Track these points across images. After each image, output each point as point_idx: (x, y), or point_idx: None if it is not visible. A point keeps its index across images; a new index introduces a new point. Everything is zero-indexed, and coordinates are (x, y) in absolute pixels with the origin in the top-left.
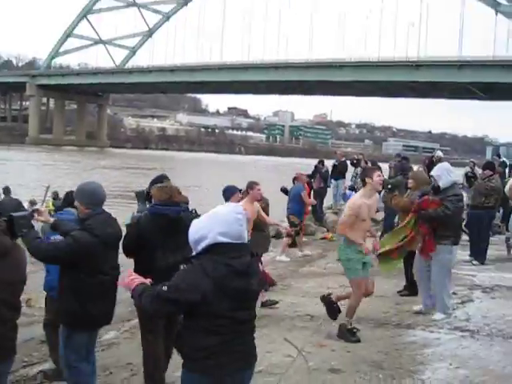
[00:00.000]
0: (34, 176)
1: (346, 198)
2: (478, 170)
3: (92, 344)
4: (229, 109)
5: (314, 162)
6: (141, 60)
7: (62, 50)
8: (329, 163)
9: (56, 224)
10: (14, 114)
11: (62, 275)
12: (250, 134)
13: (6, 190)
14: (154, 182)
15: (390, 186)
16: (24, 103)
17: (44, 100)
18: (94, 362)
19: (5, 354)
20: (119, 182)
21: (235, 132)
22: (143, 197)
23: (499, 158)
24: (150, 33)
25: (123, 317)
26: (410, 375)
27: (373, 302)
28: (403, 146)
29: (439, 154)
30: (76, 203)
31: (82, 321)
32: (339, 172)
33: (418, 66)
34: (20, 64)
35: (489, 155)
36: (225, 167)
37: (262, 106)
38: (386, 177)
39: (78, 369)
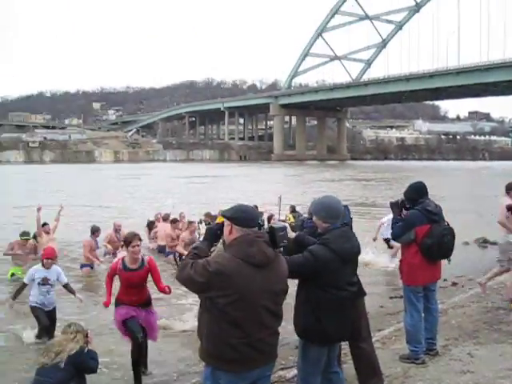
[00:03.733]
0: (252, 188)
1: None
2: None
3: (332, 358)
4: (469, 113)
5: None
6: (376, 72)
7: (300, 69)
8: None
9: (299, 238)
10: (260, 134)
11: (299, 289)
12: (493, 138)
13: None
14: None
15: None
16: (268, 122)
17: (286, 118)
18: (340, 375)
19: (267, 358)
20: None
21: (477, 137)
22: (397, 207)
23: None
24: (383, 43)
25: (373, 327)
26: None
27: None
28: None
29: None
30: (314, 218)
31: (317, 335)
32: None
33: None
34: (263, 87)
35: None
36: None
37: (505, 107)
38: None
39: (311, 382)
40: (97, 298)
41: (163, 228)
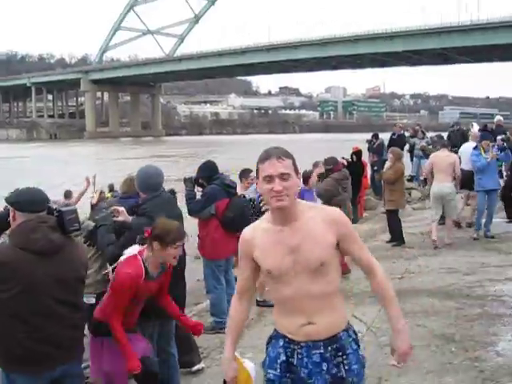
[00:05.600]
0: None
1: None
2: None
3: (167, 334)
4: (280, 88)
5: (369, 136)
6: (190, 47)
7: (111, 43)
8: (385, 136)
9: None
10: (71, 111)
11: None
12: (303, 112)
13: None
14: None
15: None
16: (80, 99)
17: (98, 94)
18: (176, 358)
19: (68, 353)
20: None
21: (288, 111)
22: (190, 182)
23: None
24: (196, 19)
25: (190, 301)
26: (483, 347)
27: (441, 275)
28: (460, 113)
29: (499, 118)
30: (137, 188)
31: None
32: (397, 146)
33: (471, 29)
34: (72, 61)
35: None
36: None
37: (313, 83)
38: None
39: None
40: None
41: None
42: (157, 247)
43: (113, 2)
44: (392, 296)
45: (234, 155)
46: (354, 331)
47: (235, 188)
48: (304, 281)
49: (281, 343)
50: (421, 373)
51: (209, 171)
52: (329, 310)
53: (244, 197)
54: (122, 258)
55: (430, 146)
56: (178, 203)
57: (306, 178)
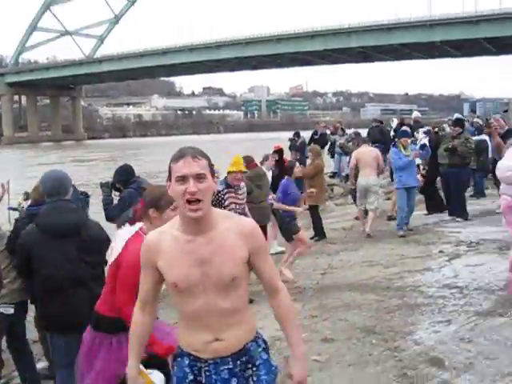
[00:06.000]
0: None
1: None
2: None
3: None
4: (204, 89)
5: (292, 134)
6: (111, 48)
7: (28, 44)
8: (308, 134)
9: None
10: None
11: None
12: (227, 112)
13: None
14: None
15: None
16: None
17: (16, 98)
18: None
19: None
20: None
21: (213, 112)
22: (107, 186)
23: (475, 113)
24: (116, 19)
25: None
26: (402, 337)
27: (362, 268)
28: (381, 110)
29: (416, 114)
30: None
31: (49, 322)
32: (318, 144)
33: (389, 28)
34: None
35: (466, 112)
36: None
37: (237, 83)
38: None
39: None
40: None
41: None
42: (154, 214)
43: (28, 1)
44: (295, 320)
45: (158, 157)
46: (264, 340)
47: None
48: (213, 296)
49: (186, 362)
50: (342, 366)
51: (125, 175)
52: (237, 324)
53: None
54: (120, 243)
55: (350, 144)
56: (94, 209)
57: (291, 168)
